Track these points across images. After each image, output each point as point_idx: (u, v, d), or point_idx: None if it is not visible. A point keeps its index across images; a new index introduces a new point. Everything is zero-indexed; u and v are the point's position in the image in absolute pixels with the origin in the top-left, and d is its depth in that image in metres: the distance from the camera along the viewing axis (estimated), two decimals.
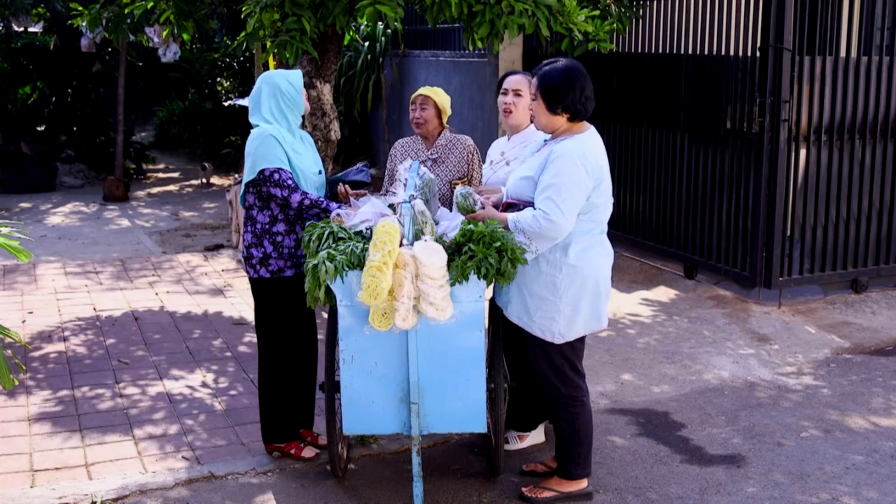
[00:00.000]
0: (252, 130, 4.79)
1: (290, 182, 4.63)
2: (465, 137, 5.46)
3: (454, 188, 5.30)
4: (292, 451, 4.99)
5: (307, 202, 4.65)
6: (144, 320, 7.41)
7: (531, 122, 5.06)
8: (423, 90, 5.32)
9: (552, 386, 4.46)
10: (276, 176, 4.63)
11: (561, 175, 4.17)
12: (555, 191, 4.17)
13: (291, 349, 4.90)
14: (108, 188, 13.13)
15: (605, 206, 4.36)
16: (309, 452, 5.00)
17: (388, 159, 5.59)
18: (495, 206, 4.56)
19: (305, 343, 4.99)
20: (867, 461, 5.03)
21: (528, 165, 4.39)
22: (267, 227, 4.76)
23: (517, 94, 5.01)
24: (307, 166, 4.79)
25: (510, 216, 4.30)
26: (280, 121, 4.75)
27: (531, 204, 4.29)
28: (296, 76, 4.82)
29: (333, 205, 4.66)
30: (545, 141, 4.47)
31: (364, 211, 4.61)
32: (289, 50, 6.21)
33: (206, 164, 14.91)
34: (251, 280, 4.88)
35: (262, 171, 4.64)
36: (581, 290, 4.31)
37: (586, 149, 4.25)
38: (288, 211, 4.73)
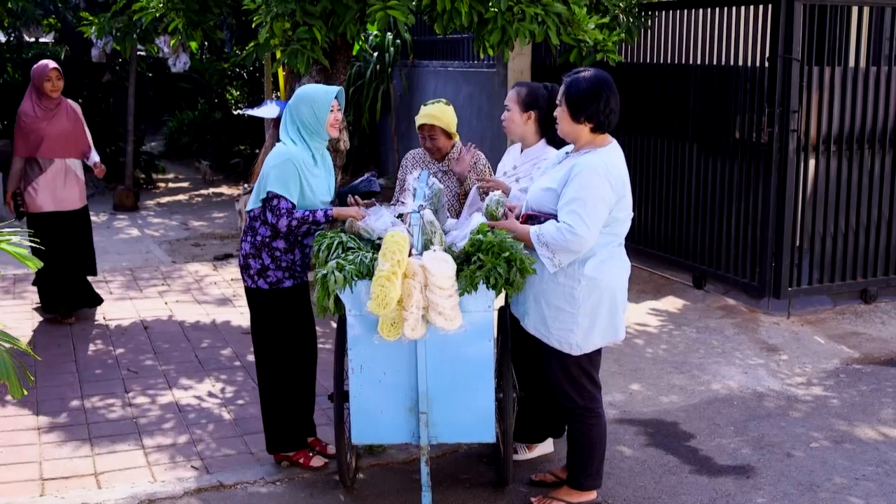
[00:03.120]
0: (277, 145, 4.79)
1: (282, 211, 4.63)
2: (475, 152, 5.46)
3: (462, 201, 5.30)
4: (301, 461, 5.00)
5: (294, 223, 4.64)
6: (154, 329, 7.43)
7: (540, 137, 5.03)
8: (426, 117, 5.26)
9: (568, 397, 4.45)
10: (275, 202, 4.64)
11: (585, 188, 4.15)
12: (579, 204, 4.14)
13: (291, 358, 4.90)
14: (118, 198, 13.16)
15: (625, 219, 4.35)
16: (317, 462, 5.01)
17: (399, 170, 5.59)
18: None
19: (305, 351, 4.99)
20: (877, 472, 5.01)
21: (550, 177, 4.36)
22: (268, 240, 4.76)
23: (506, 108, 4.96)
24: (319, 194, 4.77)
25: (532, 229, 4.28)
26: (301, 144, 4.74)
27: (552, 216, 4.27)
28: (323, 101, 4.73)
29: (320, 213, 4.64)
30: (567, 153, 4.45)
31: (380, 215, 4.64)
32: (300, 59, 6.24)
33: (204, 161, 15.14)
34: (248, 289, 4.89)
35: (268, 192, 4.66)
36: (599, 301, 4.29)
37: (610, 162, 4.23)
38: (288, 235, 4.74)
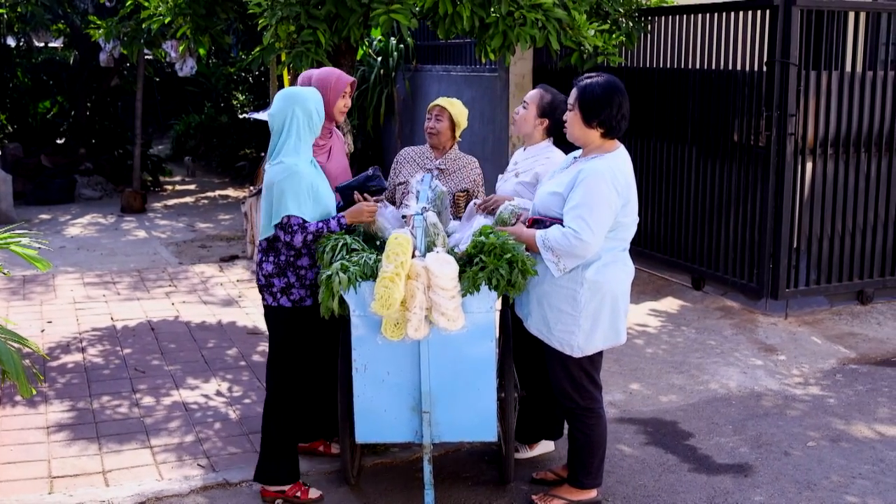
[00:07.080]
0: (274, 167, 4.51)
1: (294, 227, 4.46)
2: (472, 159, 5.50)
3: (457, 201, 5.34)
4: (298, 494, 4.75)
5: (309, 237, 4.48)
6: (160, 330, 7.52)
7: (546, 136, 5.09)
8: (441, 101, 5.34)
9: (569, 397, 4.50)
10: (285, 220, 4.45)
11: (591, 194, 4.20)
12: (585, 209, 4.19)
13: (303, 382, 4.75)
14: (126, 200, 13.28)
15: (630, 224, 4.39)
16: (314, 493, 4.80)
17: (392, 167, 5.61)
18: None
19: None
20: (873, 470, 5.08)
21: (558, 181, 4.40)
22: (292, 259, 4.59)
23: (523, 105, 5.07)
24: (326, 199, 4.61)
25: (538, 233, 4.33)
26: (297, 156, 4.51)
27: (558, 220, 4.31)
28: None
29: (333, 222, 4.53)
30: (574, 158, 4.50)
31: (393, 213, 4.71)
32: (304, 62, 6.30)
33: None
34: (268, 308, 4.70)
35: (282, 218, 4.46)
36: (601, 304, 4.34)
37: (616, 167, 4.27)
38: (302, 249, 4.60)
